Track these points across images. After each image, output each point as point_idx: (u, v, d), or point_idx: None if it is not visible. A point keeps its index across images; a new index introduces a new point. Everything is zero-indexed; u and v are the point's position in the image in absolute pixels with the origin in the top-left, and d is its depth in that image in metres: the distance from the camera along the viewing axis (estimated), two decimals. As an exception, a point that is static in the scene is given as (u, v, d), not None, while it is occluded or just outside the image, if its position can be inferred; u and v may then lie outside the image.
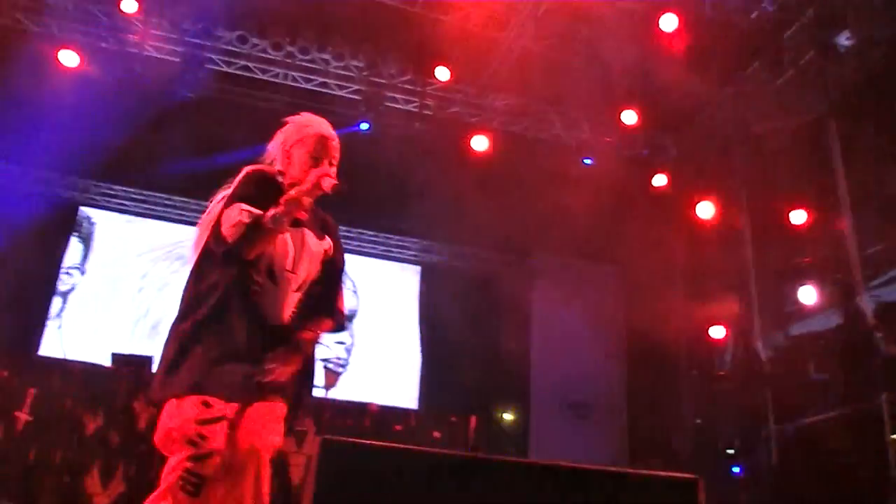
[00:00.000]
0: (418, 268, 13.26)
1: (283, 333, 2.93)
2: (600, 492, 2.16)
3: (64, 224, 11.84)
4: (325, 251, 3.10)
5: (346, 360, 11.80)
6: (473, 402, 10.89)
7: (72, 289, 11.54)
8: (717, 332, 10.10)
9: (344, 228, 12.15)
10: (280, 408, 2.89)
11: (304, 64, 9.95)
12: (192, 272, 2.97)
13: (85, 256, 11.82)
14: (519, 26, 9.43)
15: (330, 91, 10.32)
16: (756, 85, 9.58)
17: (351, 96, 10.33)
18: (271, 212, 2.76)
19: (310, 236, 3.04)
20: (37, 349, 10.76)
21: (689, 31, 8.60)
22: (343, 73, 10.08)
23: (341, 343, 11.60)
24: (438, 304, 12.86)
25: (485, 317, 12.27)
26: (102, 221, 12.06)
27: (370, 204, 10.99)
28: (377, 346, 12.38)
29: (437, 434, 6.76)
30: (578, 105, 10.72)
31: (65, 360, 6.41)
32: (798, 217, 9.17)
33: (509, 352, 12.20)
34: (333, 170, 3.05)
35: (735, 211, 10.27)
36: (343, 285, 3.22)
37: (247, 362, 2.80)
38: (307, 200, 2.87)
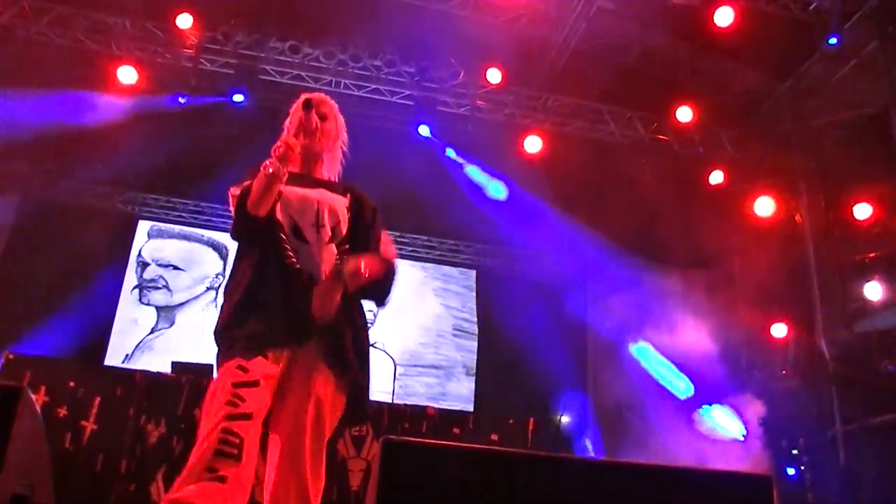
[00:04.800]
0: (473, 272, 13.27)
1: None
2: (669, 489, 2.11)
3: (125, 238, 12.11)
4: (348, 205, 3.11)
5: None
6: (531, 404, 10.84)
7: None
8: (779, 330, 9.90)
9: (397, 234, 12.33)
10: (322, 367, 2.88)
11: (356, 72, 10.02)
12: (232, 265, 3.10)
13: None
14: (570, 26, 9.37)
15: (382, 98, 10.36)
16: (815, 78, 9.38)
17: (404, 102, 10.37)
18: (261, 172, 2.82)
19: (326, 192, 3.09)
20: (102, 359, 11.01)
21: (744, 25, 8.44)
22: (395, 79, 10.12)
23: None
24: (495, 306, 12.86)
25: (541, 319, 12.21)
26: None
27: (424, 208, 11.08)
28: (436, 349, 12.42)
29: (495, 437, 6.71)
30: (632, 103, 10.62)
31: (127, 370, 6.50)
32: (862, 211, 8.96)
33: (567, 353, 12.11)
34: (319, 119, 3.13)
35: (794, 207, 10.07)
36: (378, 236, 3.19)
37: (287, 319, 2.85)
38: (293, 143, 2.90)
